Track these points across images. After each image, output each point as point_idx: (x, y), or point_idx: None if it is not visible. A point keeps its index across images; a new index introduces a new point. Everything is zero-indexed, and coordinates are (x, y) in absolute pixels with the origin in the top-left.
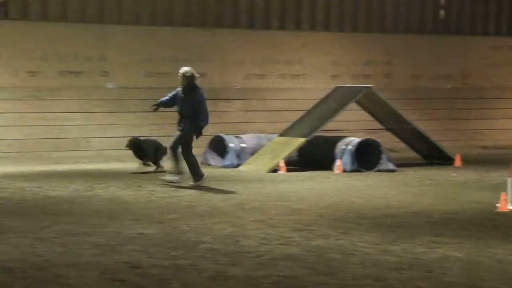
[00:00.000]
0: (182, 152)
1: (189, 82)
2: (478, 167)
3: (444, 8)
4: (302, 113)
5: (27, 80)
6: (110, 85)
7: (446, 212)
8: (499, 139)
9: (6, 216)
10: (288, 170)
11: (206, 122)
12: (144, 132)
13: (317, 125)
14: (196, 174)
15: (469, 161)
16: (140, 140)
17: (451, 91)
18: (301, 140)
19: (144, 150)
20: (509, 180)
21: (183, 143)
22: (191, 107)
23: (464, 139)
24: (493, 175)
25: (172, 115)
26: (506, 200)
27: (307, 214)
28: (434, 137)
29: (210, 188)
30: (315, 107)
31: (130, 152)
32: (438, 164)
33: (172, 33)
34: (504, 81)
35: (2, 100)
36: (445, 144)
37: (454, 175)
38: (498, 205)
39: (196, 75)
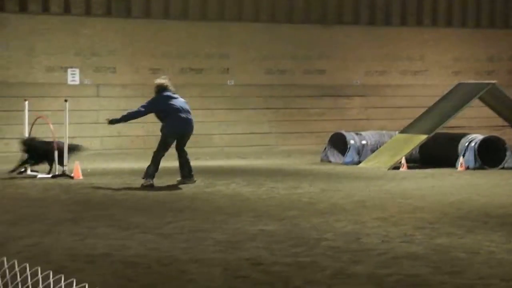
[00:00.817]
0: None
1: (155, 92)
2: None
3: None
4: (423, 110)
5: (149, 77)
6: (230, 82)
7: None
8: None
9: (130, 212)
10: (409, 168)
11: (168, 129)
12: (264, 129)
13: (439, 122)
14: (148, 173)
15: None
16: (33, 140)
17: None
18: (423, 137)
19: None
20: None
21: (158, 146)
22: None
23: None
24: None
25: (294, 112)
26: None
27: (430, 212)
28: None
29: (330, 185)
30: (437, 103)
31: (252, 149)
32: None
33: (292, 30)
34: None
35: (125, 97)
36: None
37: None
38: None
39: (160, 84)
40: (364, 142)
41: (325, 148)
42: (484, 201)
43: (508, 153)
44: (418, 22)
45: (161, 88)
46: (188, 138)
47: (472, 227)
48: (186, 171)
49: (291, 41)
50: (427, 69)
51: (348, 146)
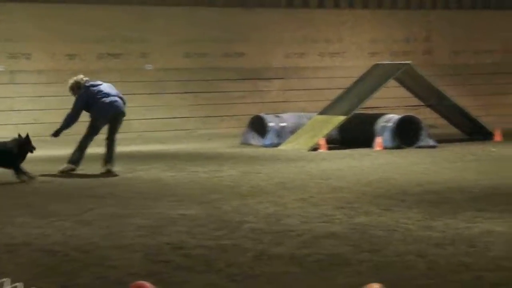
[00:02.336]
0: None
1: (75, 93)
2: None
3: None
4: (341, 91)
5: (66, 63)
6: (148, 67)
7: (488, 187)
8: None
9: (49, 199)
10: (329, 148)
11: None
12: (184, 113)
13: (356, 102)
14: (72, 159)
15: (510, 136)
16: None
17: (492, 66)
18: (341, 118)
19: None
20: None
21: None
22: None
23: (505, 114)
24: None
25: (214, 96)
26: None
27: (349, 191)
28: (475, 113)
29: (251, 168)
30: (354, 85)
31: (172, 134)
32: (479, 139)
33: (212, 13)
34: None
35: (41, 83)
36: (486, 119)
37: (494, 149)
38: None
39: (75, 83)
40: (283, 124)
41: (245, 131)
42: (401, 180)
43: (423, 132)
44: (336, 4)
45: (78, 85)
46: (119, 123)
47: (390, 206)
48: (107, 159)
49: (211, 24)
50: (344, 51)
51: (268, 129)
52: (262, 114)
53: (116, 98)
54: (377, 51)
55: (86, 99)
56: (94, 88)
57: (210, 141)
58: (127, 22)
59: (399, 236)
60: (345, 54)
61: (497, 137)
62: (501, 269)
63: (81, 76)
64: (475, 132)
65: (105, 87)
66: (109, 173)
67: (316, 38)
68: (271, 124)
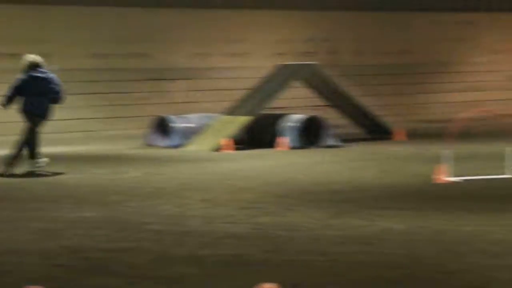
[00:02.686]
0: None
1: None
2: (420, 141)
3: None
4: (247, 91)
5: None
6: (54, 67)
7: (388, 186)
8: (440, 112)
9: None
10: (236, 149)
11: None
12: (87, 114)
13: (262, 103)
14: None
15: (412, 135)
16: None
17: (394, 66)
18: (246, 118)
19: None
20: (446, 152)
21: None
22: None
23: (407, 114)
24: (435, 148)
25: (118, 97)
26: (443, 171)
27: (252, 192)
28: (378, 112)
29: (155, 169)
30: (259, 85)
31: (74, 135)
32: (381, 138)
33: (114, 13)
34: (444, 56)
35: None
36: (389, 119)
37: (396, 149)
38: (435, 176)
39: (30, 62)
40: (188, 125)
41: (149, 133)
42: (304, 180)
43: (327, 132)
44: (240, 5)
45: (31, 66)
46: (36, 125)
47: (293, 205)
48: (8, 160)
49: (114, 24)
50: (249, 51)
51: (172, 130)
52: (166, 115)
53: (42, 99)
54: (282, 52)
55: (24, 86)
56: (35, 80)
57: (113, 142)
58: (25, 21)
59: (301, 236)
60: (249, 54)
61: (400, 136)
62: (398, 267)
63: (39, 59)
64: (377, 131)
65: (42, 83)
66: (4, 175)
67: (220, 39)
68: (175, 125)
